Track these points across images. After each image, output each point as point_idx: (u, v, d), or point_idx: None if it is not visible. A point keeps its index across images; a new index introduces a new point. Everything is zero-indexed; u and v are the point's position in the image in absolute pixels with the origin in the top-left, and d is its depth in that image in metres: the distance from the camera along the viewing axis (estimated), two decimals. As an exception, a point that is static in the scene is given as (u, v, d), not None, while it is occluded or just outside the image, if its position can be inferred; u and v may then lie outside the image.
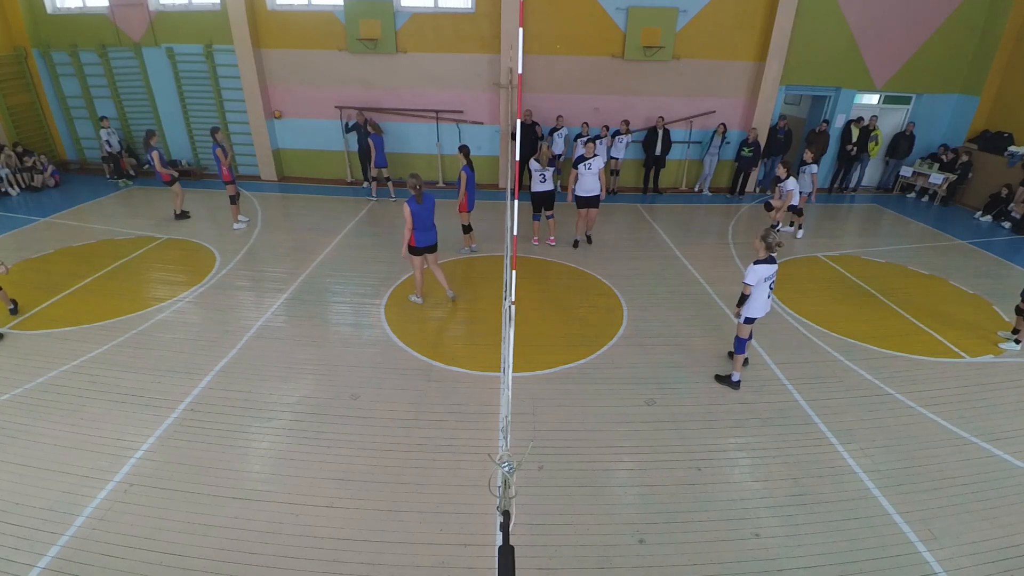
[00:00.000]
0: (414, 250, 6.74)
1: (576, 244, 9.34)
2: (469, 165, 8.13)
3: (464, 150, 8.15)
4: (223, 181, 9.47)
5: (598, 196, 8.78)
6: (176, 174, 9.94)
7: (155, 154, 9.48)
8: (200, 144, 13.08)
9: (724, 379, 5.69)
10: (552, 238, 9.32)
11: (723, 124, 12.15)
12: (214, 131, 9.25)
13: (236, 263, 8.36)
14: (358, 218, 10.61)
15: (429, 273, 7.29)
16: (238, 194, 9.81)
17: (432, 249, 6.88)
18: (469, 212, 8.47)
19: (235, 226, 9.85)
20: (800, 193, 9.16)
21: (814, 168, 9.69)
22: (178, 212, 10.17)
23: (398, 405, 5.21)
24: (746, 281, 5.15)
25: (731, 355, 5.90)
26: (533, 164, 8.63)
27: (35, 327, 6.41)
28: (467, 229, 8.73)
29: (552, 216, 9.15)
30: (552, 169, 8.71)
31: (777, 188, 8.96)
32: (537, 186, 8.76)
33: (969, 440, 4.93)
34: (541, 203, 9.00)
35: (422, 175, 12.84)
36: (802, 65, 11.93)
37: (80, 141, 13.39)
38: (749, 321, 5.40)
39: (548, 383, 5.61)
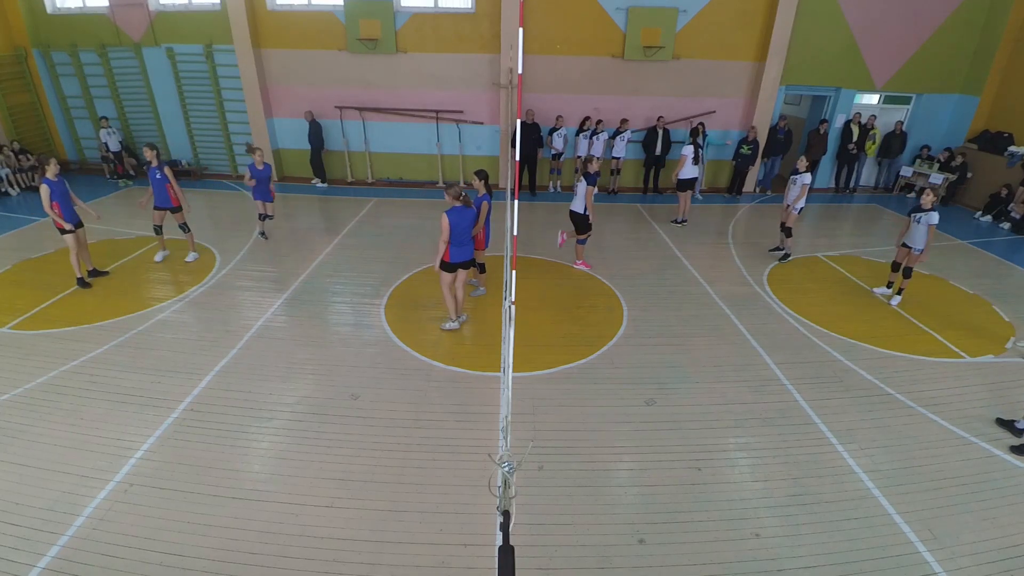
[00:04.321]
0: (447, 266, 6.09)
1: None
2: (489, 193, 6.83)
3: (483, 175, 6.81)
4: (173, 206, 7.93)
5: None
6: (69, 227, 7.07)
7: (43, 186, 6.84)
8: (200, 144, 13.09)
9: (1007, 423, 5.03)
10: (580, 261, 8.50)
11: (701, 124, 11.89)
12: (151, 146, 7.74)
13: (236, 263, 8.36)
14: (358, 218, 10.61)
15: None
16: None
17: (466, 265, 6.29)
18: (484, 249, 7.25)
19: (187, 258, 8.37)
20: (914, 250, 7.17)
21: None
22: (80, 275, 7.35)
23: (398, 405, 5.21)
24: None
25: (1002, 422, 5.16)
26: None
27: (35, 327, 6.41)
28: (482, 268, 7.55)
29: (579, 241, 8.29)
30: (583, 184, 7.78)
31: (792, 179, 8.36)
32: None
33: (969, 440, 4.92)
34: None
35: (422, 175, 13.16)
36: (802, 65, 11.93)
37: (80, 141, 13.40)
38: None
39: (548, 383, 5.61)
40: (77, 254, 7.28)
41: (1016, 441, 4.91)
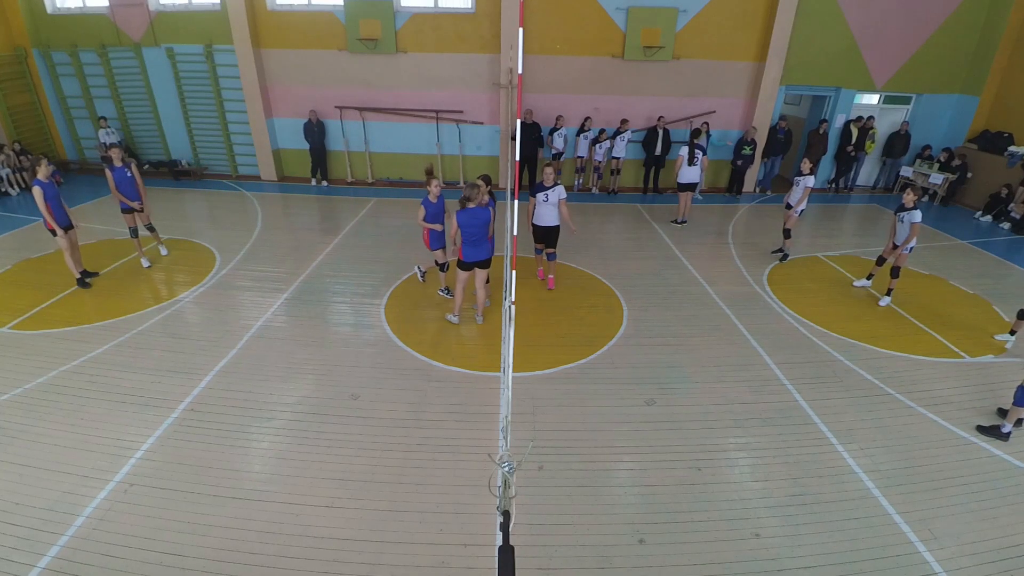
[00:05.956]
0: (464, 265, 6.33)
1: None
2: (492, 199, 6.60)
3: (487, 180, 6.51)
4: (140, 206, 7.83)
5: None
6: (61, 230, 6.98)
7: (36, 188, 6.75)
8: (200, 144, 13.08)
9: (989, 429, 5.01)
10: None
11: (705, 124, 12.01)
12: (113, 147, 7.65)
13: (236, 263, 8.36)
14: (358, 218, 10.61)
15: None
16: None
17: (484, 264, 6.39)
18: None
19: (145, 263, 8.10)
20: (903, 248, 7.17)
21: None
22: (77, 275, 7.35)
23: (398, 405, 5.21)
24: None
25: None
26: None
27: (35, 327, 6.40)
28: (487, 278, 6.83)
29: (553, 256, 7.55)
30: (555, 188, 7.10)
31: (795, 181, 8.28)
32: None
33: (969, 440, 4.92)
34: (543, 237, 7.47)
35: (422, 175, 13.04)
36: (802, 65, 11.93)
37: (80, 141, 13.40)
38: None
39: (548, 383, 5.61)
40: (71, 255, 7.23)
41: (984, 422, 4.99)
